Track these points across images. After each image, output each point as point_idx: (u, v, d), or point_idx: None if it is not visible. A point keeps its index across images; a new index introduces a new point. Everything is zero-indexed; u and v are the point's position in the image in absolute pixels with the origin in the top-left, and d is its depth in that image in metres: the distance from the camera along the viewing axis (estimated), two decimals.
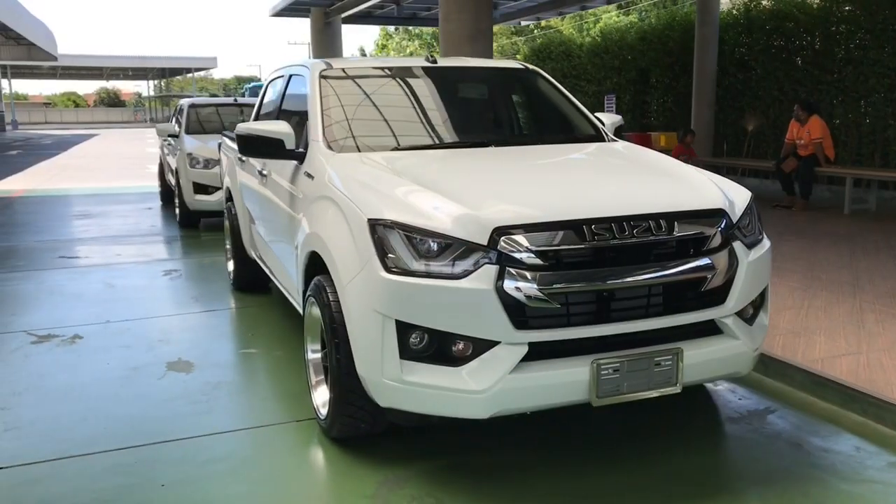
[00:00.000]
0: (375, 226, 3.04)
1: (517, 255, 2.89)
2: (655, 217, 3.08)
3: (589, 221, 2.98)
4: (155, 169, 15.01)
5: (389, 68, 4.67)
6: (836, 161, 10.48)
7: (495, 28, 20.32)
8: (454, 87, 4.72)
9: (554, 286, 2.88)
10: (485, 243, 2.90)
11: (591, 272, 2.94)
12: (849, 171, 10.08)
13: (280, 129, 4.10)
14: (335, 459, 3.37)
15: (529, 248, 2.90)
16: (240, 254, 6.24)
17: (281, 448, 3.54)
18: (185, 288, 6.78)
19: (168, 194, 12.25)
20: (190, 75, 76.91)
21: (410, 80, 4.57)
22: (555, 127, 4.56)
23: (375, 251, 3.01)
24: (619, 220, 3.02)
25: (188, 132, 10.85)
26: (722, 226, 3.22)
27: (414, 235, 2.96)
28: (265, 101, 5.78)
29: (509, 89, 4.80)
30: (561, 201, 3.10)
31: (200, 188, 10.04)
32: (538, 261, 2.89)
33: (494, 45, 15.16)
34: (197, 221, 10.41)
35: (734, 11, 13.14)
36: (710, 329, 3.24)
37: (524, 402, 2.94)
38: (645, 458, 3.36)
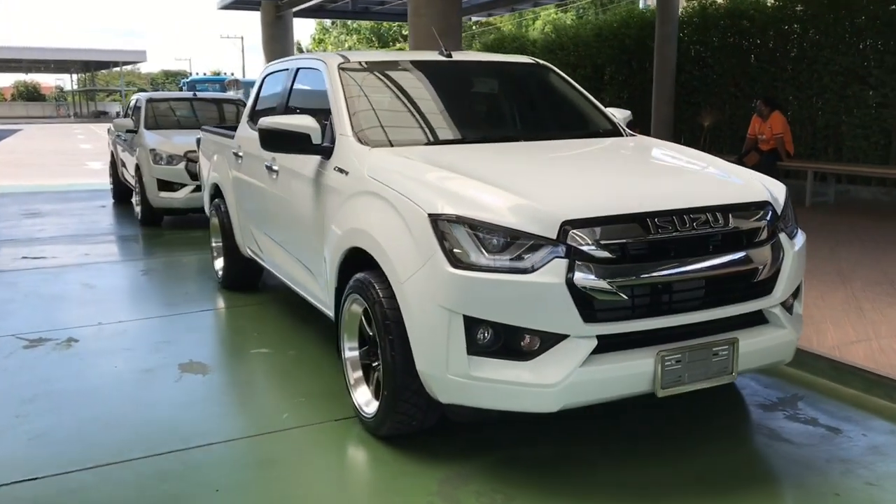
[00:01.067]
0: (437, 221, 3.01)
1: (586, 249, 2.90)
2: (712, 210, 3.13)
3: (652, 214, 3.02)
4: (96, 166, 14.56)
5: (405, 62, 4.62)
6: (794, 155, 10.84)
7: None
8: (472, 82, 4.71)
9: (622, 279, 2.90)
10: (554, 237, 2.90)
11: (657, 264, 2.97)
12: (810, 164, 10.45)
13: (306, 123, 4.01)
14: (389, 457, 3.33)
15: (598, 241, 2.92)
16: (232, 252, 6.09)
17: (329, 447, 3.48)
18: (170, 287, 6.58)
19: (123, 192, 11.89)
20: (117, 69, 74.71)
21: (428, 75, 4.53)
22: (574, 122, 4.59)
23: (439, 246, 2.98)
24: (679, 213, 3.06)
25: (148, 127, 10.53)
26: (769, 218, 3.30)
27: (480, 230, 2.94)
28: (262, 95, 5.66)
29: (525, 84, 4.80)
30: (624, 195, 3.13)
31: (165, 185, 9.77)
32: (606, 254, 2.91)
33: None
34: (160, 219, 10.12)
35: (689, 10, 13.42)
36: (758, 319, 3.31)
37: (592, 395, 2.96)
38: (694, 448, 3.42)
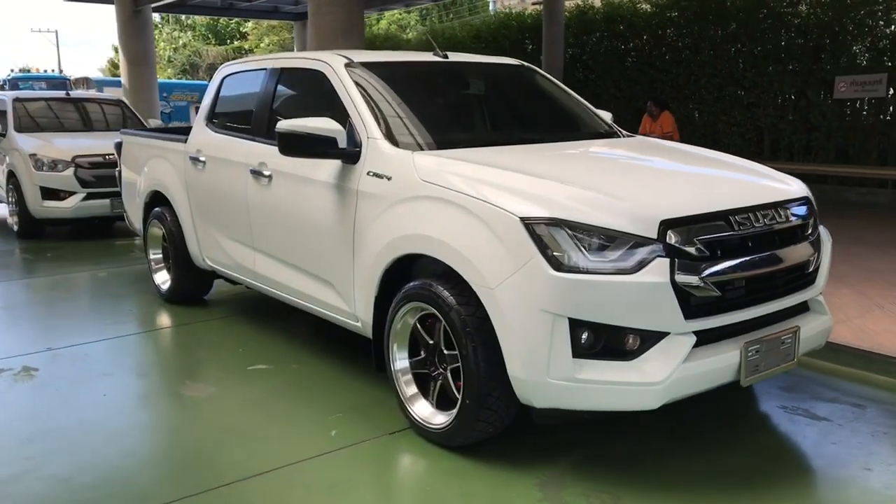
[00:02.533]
0: (532, 224, 2.98)
1: (683, 247, 2.98)
2: (774, 206, 3.31)
3: (734, 212, 3.15)
4: None
5: (407, 63, 4.51)
6: None
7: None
8: (479, 84, 4.67)
9: (714, 275, 3.01)
10: (655, 237, 2.95)
11: (741, 259, 3.10)
12: None
13: (329, 126, 3.83)
14: (472, 467, 3.25)
15: (693, 239, 3.00)
16: (183, 264, 5.69)
17: (400, 462, 3.35)
18: (108, 304, 6.05)
19: None
20: None
21: (432, 76, 4.46)
22: (580, 123, 4.64)
23: (538, 250, 2.95)
24: (753, 210, 3.22)
25: (19, 130, 9.61)
26: (811, 212, 3.53)
27: (581, 231, 2.94)
28: (223, 97, 5.32)
29: (526, 85, 4.81)
30: (705, 194, 3.24)
31: (50, 193, 8.98)
32: (700, 251, 3.00)
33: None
34: (41, 232, 9.29)
35: (569, 14, 13.95)
36: (802, 308, 3.53)
37: (689, 389, 3.04)
38: (752, 436, 3.59)
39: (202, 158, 5.23)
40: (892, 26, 10.22)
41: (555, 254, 2.94)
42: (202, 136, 5.33)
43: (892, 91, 10.00)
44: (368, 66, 4.30)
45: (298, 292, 4.42)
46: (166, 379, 4.36)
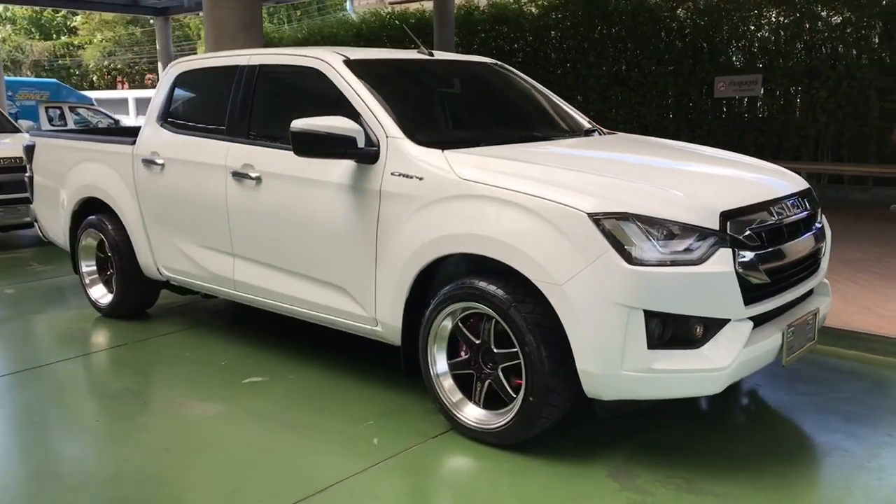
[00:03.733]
0: (601, 219, 3.02)
1: (741, 237, 3.13)
2: (796, 196, 3.55)
3: (772, 202, 3.35)
4: None
5: (401, 61, 4.43)
6: None
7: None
8: (472, 83, 4.65)
9: (766, 262, 3.18)
10: (717, 227, 3.08)
11: (785, 246, 3.31)
12: None
13: (347, 125, 3.70)
14: (539, 464, 3.24)
15: (748, 229, 3.16)
16: (130, 276, 5.29)
17: (463, 466, 3.29)
18: (42, 322, 5.51)
19: None
20: None
21: (429, 74, 4.40)
22: (565, 120, 4.71)
23: (610, 245, 3.00)
24: (784, 200, 3.44)
25: None
26: (816, 202, 3.80)
27: (650, 225, 3.02)
28: (178, 96, 4.98)
29: (508, 84, 4.83)
30: (748, 186, 3.41)
31: None
32: (753, 240, 3.17)
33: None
34: None
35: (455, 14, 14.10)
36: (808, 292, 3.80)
37: (745, 372, 3.19)
38: (773, 413, 3.82)
39: (159, 161, 4.88)
40: (762, 31, 11.09)
41: (626, 248, 3.00)
42: (157, 137, 4.97)
43: (763, 91, 10.84)
44: (365, 63, 4.18)
45: (295, 299, 4.22)
46: (152, 400, 4.05)
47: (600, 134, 4.67)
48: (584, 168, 3.44)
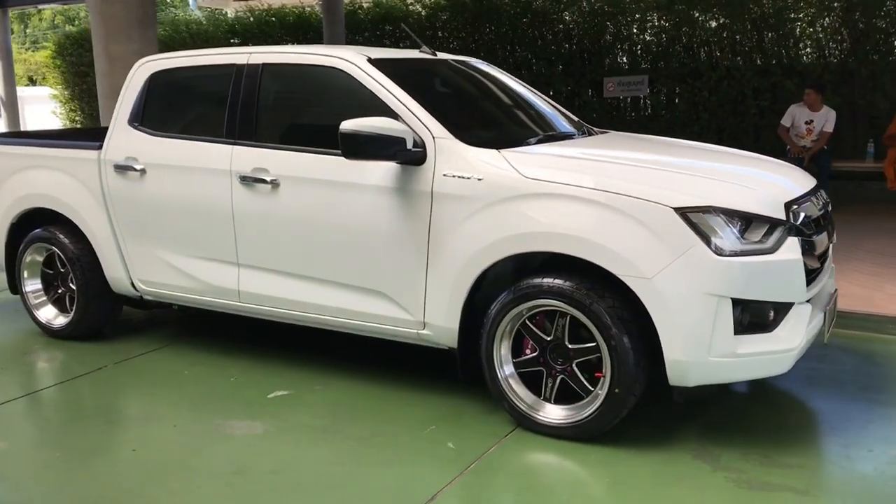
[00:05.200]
0: (687, 213, 3.16)
1: (799, 226, 3.38)
2: (817, 188, 3.87)
3: (810, 193, 3.65)
4: None
5: (415, 60, 4.36)
6: None
7: None
8: (479, 83, 4.64)
9: (815, 248, 3.46)
10: (784, 218, 3.31)
11: (825, 233, 3.60)
12: None
13: (397, 126, 3.63)
14: (627, 454, 3.33)
15: (802, 219, 3.42)
16: (95, 292, 4.87)
17: (553, 463, 3.33)
18: None
19: None
20: None
21: (441, 75, 4.37)
22: (569, 120, 4.80)
23: (698, 237, 3.14)
24: (813, 192, 3.74)
25: None
26: None
27: (731, 217, 3.20)
28: (156, 96, 4.62)
29: (508, 83, 4.86)
30: (790, 179, 3.67)
31: None
32: (810, 228, 3.44)
33: None
34: None
35: (362, 15, 13.86)
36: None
37: (804, 351, 3.45)
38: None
39: (138, 167, 4.52)
40: (646, 34, 11.78)
41: (713, 240, 3.15)
42: (132, 140, 4.60)
43: (649, 91, 11.52)
44: (389, 63, 4.10)
45: (319, 307, 4.07)
46: (189, 422, 3.77)
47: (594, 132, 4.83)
48: (644, 165, 3.57)
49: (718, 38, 11.10)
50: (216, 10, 18.66)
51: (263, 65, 4.27)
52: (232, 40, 15.36)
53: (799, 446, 3.40)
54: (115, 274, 4.79)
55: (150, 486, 3.14)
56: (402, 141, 3.60)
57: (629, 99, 11.93)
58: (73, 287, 4.97)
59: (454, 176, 3.61)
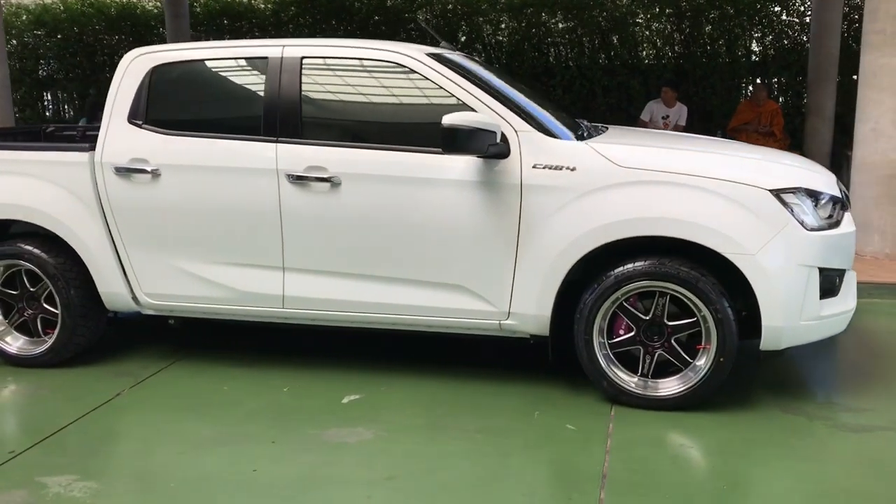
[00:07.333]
0: (780, 194, 3.55)
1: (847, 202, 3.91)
2: None
3: None
4: None
5: (457, 55, 4.37)
6: None
7: None
8: (502, 77, 4.71)
9: None
10: (840, 195, 3.81)
11: None
12: None
13: (490, 120, 3.67)
14: (722, 417, 3.65)
15: (844, 196, 3.95)
16: (83, 312, 4.35)
17: (677, 435, 3.55)
18: None
19: None
20: None
21: (475, 67, 4.42)
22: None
23: (791, 215, 3.54)
24: None
25: None
26: None
27: (811, 196, 3.64)
28: (164, 91, 4.21)
29: (518, 79, 4.98)
30: (813, 165, 4.21)
31: None
32: (848, 203, 3.98)
33: None
34: None
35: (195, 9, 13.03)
36: None
37: None
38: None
39: (150, 168, 4.12)
40: (498, 35, 12.33)
41: (801, 217, 3.56)
42: (137, 140, 4.16)
43: None
44: (444, 58, 4.09)
45: (385, 306, 3.99)
46: (283, 435, 3.54)
47: None
48: (714, 151, 3.94)
49: (570, 39, 11.90)
50: None
51: (302, 58, 4.07)
52: (37, 32, 13.93)
53: (856, 392, 3.92)
54: (112, 289, 4.31)
55: (312, 501, 2.96)
56: (494, 135, 3.65)
57: None
58: (50, 308, 4.40)
59: (545, 167, 3.72)
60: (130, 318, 4.74)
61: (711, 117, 10.98)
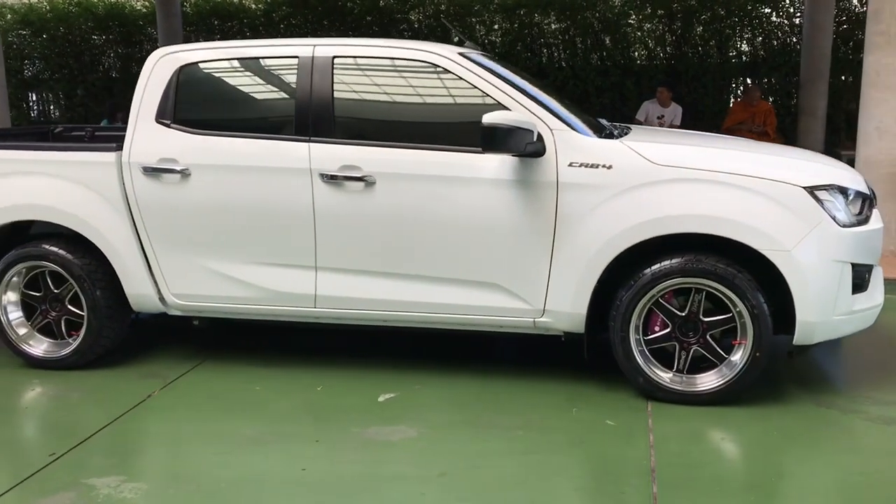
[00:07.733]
0: (815, 191, 3.62)
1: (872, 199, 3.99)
2: None
3: None
4: None
5: (483, 56, 4.39)
6: None
7: None
8: (522, 76, 4.73)
9: None
10: (869, 193, 3.88)
11: None
12: None
13: (528, 119, 3.70)
14: (759, 411, 3.70)
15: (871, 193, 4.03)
16: (109, 313, 4.32)
17: (712, 429, 3.60)
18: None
19: None
20: None
21: (500, 67, 4.44)
22: None
23: (825, 212, 3.61)
24: None
25: None
26: None
27: (843, 194, 3.71)
28: (192, 91, 4.20)
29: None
30: (837, 163, 4.29)
31: None
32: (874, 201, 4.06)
33: None
34: None
35: (187, 9, 12.92)
36: None
37: None
38: None
39: (179, 168, 4.10)
40: (492, 35, 12.37)
41: (834, 214, 3.63)
42: (167, 139, 4.14)
43: None
44: (466, 57, 4.10)
45: (420, 304, 4.00)
46: (325, 432, 3.54)
47: None
48: (746, 150, 4.00)
49: (563, 40, 11.97)
50: None
51: (334, 57, 4.08)
52: (21, 31, 13.75)
53: (881, 386, 4.00)
54: (140, 290, 4.28)
55: (367, 499, 2.97)
56: (532, 133, 3.68)
57: None
58: (75, 309, 4.37)
59: (581, 165, 3.75)
60: (149, 320, 4.70)
61: (703, 117, 11.10)
